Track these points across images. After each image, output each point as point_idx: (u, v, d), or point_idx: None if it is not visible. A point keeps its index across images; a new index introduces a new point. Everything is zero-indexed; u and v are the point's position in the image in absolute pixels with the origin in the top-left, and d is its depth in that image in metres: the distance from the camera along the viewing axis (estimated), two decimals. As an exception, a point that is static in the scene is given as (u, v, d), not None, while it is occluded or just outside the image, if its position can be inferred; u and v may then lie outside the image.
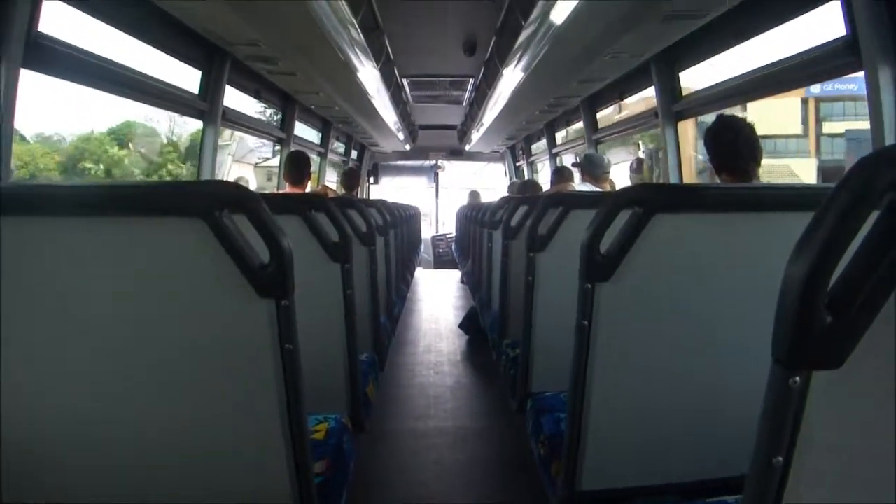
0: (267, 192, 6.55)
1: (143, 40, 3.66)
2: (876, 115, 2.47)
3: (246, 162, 13.08)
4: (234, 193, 1.07)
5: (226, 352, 1.16)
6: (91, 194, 1.14)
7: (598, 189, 4.33)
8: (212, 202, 1.05)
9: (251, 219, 1.06)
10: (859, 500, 0.68)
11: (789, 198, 1.32)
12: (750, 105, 6.02)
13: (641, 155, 7.23)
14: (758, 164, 2.37)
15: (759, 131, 2.45)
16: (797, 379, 0.63)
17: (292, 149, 6.19)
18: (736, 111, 3.72)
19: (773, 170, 14.19)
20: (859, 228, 0.59)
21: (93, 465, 1.24)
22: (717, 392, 1.42)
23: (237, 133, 7.61)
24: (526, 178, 10.50)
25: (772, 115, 14.67)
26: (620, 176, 5.81)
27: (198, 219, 1.06)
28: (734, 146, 2.34)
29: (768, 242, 1.27)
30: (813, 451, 0.66)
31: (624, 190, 1.36)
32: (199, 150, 4.61)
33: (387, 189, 13.02)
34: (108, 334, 1.16)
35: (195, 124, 4.65)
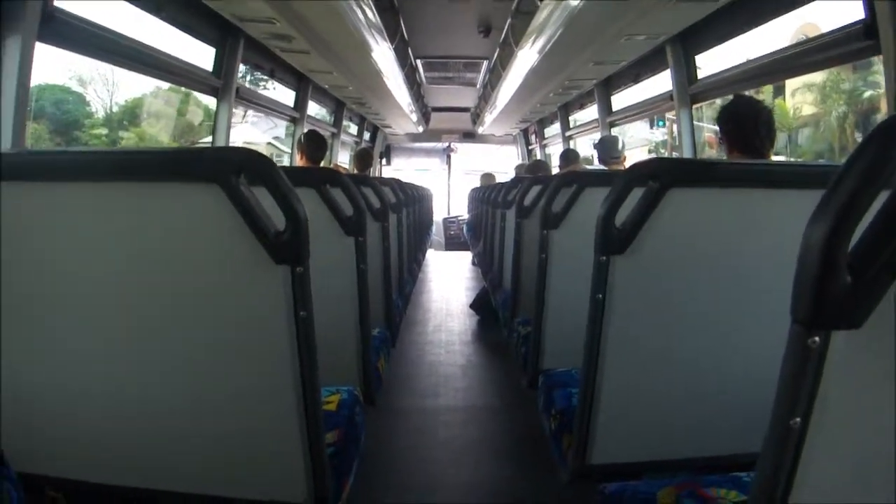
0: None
1: (157, 16, 3.67)
2: (894, 103, 2.44)
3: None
4: (250, 158, 1.08)
5: (241, 318, 1.17)
6: (107, 160, 1.15)
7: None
8: (227, 167, 1.06)
9: (267, 184, 1.07)
10: (876, 460, 0.67)
11: (805, 175, 1.31)
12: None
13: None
14: (772, 145, 2.36)
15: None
16: (816, 339, 0.63)
17: (305, 128, 6.20)
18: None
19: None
20: (882, 187, 0.58)
21: (104, 429, 1.26)
22: (732, 368, 1.42)
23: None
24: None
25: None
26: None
27: (213, 184, 1.06)
28: (754, 125, 2.32)
29: (783, 219, 1.26)
30: (831, 413, 0.65)
31: (640, 164, 1.35)
32: (212, 126, 4.65)
33: (401, 173, 12.98)
34: (123, 298, 1.18)
35: (145, 86, 4.56)
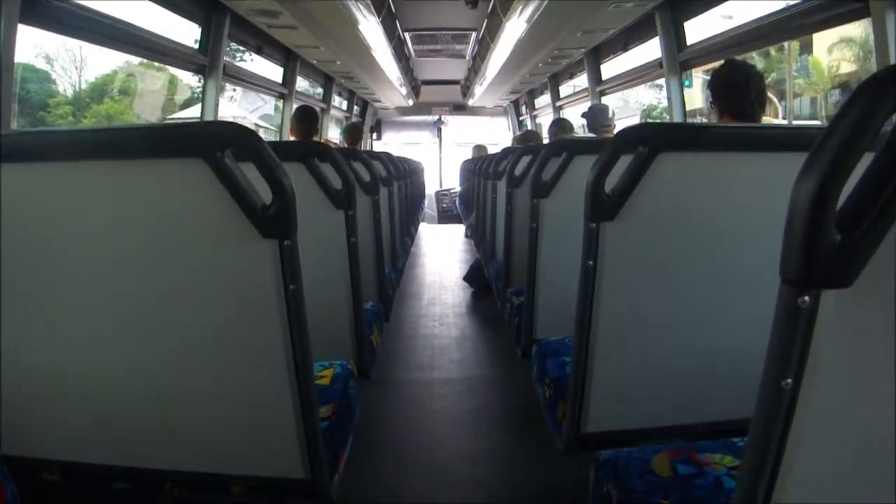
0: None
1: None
2: (883, 65, 2.43)
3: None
4: (236, 132, 1.07)
5: (230, 293, 1.17)
6: (92, 138, 1.14)
7: (601, 140, 4.23)
8: (213, 142, 1.05)
9: (252, 158, 1.06)
10: (868, 420, 0.67)
11: (794, 138, 1.30)
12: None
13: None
14: (763, 110, 2.35)
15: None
16: (806, 299, 0.62)
17: (295, 104, 6.17)
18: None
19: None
20: (868, 144, 0.57)
21: (98, 409, 1.26)
22: (726, 332, 1.42)
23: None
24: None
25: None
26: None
27: (199, 159, 1.06)
28: (745, 90, 2.31)
29: (775, 182, 1.26)
30: (822, 373, 0.65)
31: (629, 129, 1.34)
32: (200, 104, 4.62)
33: (391, 147, 12.93)
34: (112, 277, 1.17)
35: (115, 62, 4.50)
